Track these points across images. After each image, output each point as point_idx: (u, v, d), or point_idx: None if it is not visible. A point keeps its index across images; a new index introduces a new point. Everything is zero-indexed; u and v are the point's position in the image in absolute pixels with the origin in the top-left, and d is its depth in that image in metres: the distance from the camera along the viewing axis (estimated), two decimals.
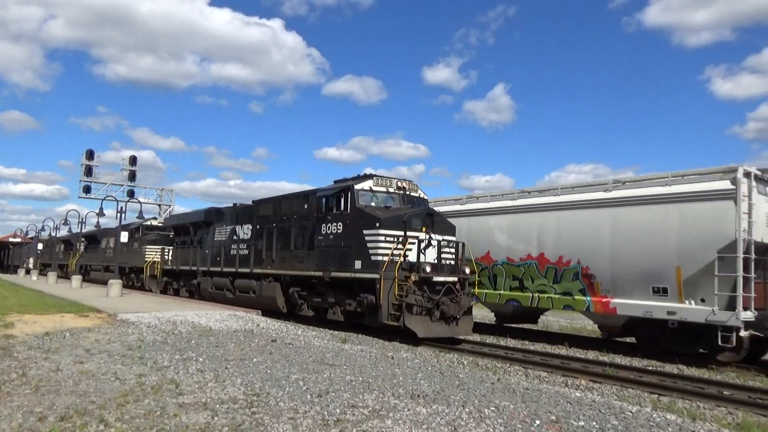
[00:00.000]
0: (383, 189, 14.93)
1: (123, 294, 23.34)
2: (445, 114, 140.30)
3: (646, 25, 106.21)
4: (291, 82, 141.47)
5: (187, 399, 6.38)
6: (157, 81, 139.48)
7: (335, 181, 16.08)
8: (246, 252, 19.19)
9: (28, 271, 51.20)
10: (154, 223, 30.93)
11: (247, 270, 18.93)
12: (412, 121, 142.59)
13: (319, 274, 15.32)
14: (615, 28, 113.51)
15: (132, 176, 45.17)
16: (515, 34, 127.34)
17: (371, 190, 14.68)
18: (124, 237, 29.41)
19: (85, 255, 40.70)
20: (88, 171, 43.38)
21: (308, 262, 15.78)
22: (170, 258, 25.86)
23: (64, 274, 41.88)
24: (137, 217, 30.80)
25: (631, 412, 6.42)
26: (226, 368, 8.29)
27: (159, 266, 26.76)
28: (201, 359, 9.03)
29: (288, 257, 16.83)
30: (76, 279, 30.08)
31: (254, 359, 9.17)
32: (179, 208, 49.32)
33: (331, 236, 15.01)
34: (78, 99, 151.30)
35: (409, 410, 6.15)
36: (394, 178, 15.42)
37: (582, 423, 5.87)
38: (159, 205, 48.03)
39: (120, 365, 8.33)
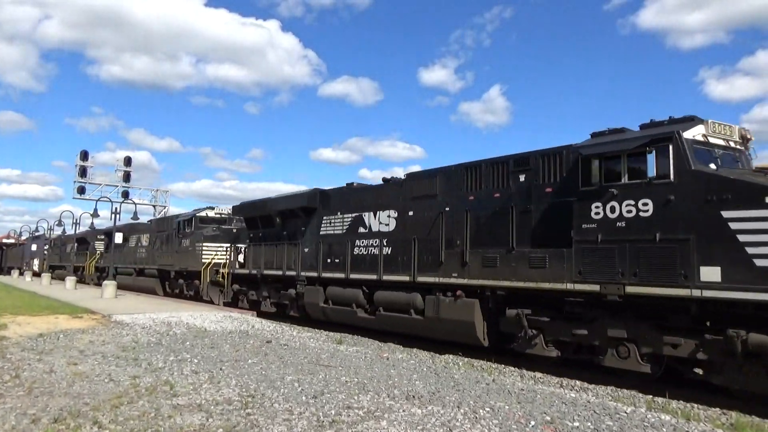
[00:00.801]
0: (722, 141, 8.89)
1: (117, 295, 23.25)
2: (440, 115, 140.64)
3: (640, 28, 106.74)
4: (287, 83, 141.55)
5: (181, 400, 6.36)
6: (152, 82, 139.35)
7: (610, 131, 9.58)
8: (390, 251, 13.25)
9: (21, 273, 47.97)
10: (212, 213, 24.35)
11: (404, 277, 12.63)
12: (408, 122, 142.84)
13: (588, 287, 9.00)
14: (610, 31, 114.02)
15: (127, 177, 45.13)
16: (511, 35, 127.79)
17: (706, 142, 8.63)
18: (118, 238, 29.02)
19: (107, 255, 32.84)
20: (83, 172, 43.29)
21: (556, 266, 9.48)
22: (245, 258, 19.64)
23: (81, 279, 35.65)
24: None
25: (626, 412, 6.44)
26: (221, 369, 8.27)
27: (226, 269, 20.33)
28: (196, 360, 9.00)
29: (500, 258, 10.51)
30: (70, 280, 29.88)
31: (249, 360, 9.14)
32: (174, 209, 48.92)
33: (625, 222, 8.61)
34: (73, 99, 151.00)
35: (404, 411, 6.15)
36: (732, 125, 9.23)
37: (577, 424, 5.88)
38: (154, 206, 47.94)
39: (114, 367, 8.30)
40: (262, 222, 18.85)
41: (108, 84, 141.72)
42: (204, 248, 22.21)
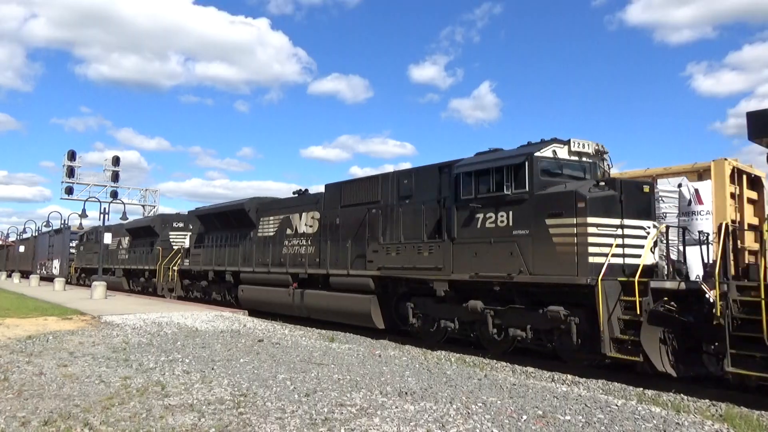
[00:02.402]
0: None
1: (107, 296, 23.10)
2: (431, 112, 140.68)
3: (628, 24, 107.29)
4: (277, 81, 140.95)
5: (173, 401, 6.33)
6: (140, 81, 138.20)
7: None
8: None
9: (10, 275, 43.75)
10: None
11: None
12: (398, 119, 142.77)
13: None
14: (598, 27, 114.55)
15: (115, 177, 44.87)
16: (501, 32, 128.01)
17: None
18: (107, 239, 28.96)
19: (199, 253, 22.05)
20: (70, 172, 43.00)
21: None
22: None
23: (143, 290, 27.17)
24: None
25: (617, 405, 6.49)
26: (212, 369, 8.24)
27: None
28: (187, 360, 8.96)
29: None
30: (59, 281, 29.61)
31: (241, 359, 9.12)
32: (163, 209, 48.55)
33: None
34: (60, 99, 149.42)
35: (396, 408, 6.16)
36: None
37: (568, 417, 5.92)
38: (143, 206, 47.65)
39: (105, 368, 8.24)
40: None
41: (96, 83, 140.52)
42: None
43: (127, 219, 30.39)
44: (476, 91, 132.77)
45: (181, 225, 26.11)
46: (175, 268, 23.60)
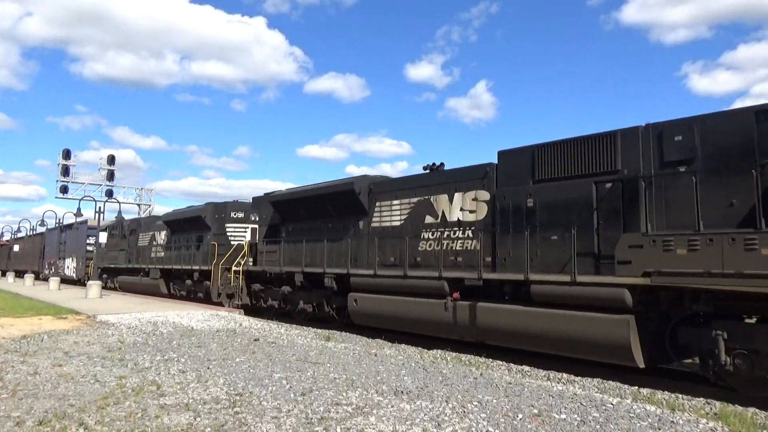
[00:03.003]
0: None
1: (102, 295, 23.03)
2: (427, 111, 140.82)
3: (623, 23, 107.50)
4: (273, 80, 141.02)
5: (168, 400, 6.32)
6: (136, 79, 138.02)
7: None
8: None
9: (3, 274, 42.74)
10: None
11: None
12: (395, 118, 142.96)
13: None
14: (594, 26, 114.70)
15: (110, 176, 44.72)
16: (497, 31, 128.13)
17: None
18: (102, 238, 28.89)
19: (282, 249, 17.28)
20: (65, 171, 42.82)
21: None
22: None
23: (187, 295, 22.67)
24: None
25: (612, 404, 6.51)
26: (208, 368, 8.23)
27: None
28: (183, 360, 8.95)
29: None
30: (54, 281, 29.49)
31: (237, 359, 9.11)
32: (159, 208, 48.31)
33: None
34: (55, 98, 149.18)
35: (392, 407, 6.16)
36: None
37: (564, 416, 5.93)
38: (138, 205, 47.51)
39: (100, 367, 8.22)
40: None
41: (91, 82, 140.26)
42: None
43: (124, 218, 30.09)
44: (473, 90, 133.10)
45: (240, 215, 21.06)
46: (239, 268, 18.67)
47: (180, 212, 24.79)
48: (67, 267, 36.25)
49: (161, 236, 25.32)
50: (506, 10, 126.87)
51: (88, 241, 33.15)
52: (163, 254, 24.84)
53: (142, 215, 41.41)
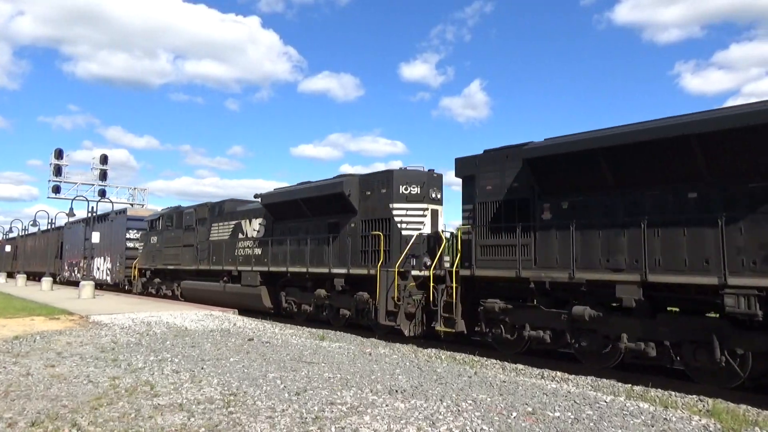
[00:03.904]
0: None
1: (96, 295, 22.91)
2: (422, 110, 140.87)
3: (616, 23, 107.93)
4: (267, 80, 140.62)
5: (162, 400, 6.29)
6: (130, 79, 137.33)
7: None
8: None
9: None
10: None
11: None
12: (389, 117, 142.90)
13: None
14: (587, 26, 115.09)
15: (103, 175, 44.41)
16: (491, 30, 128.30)
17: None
18: (95, 238, 27.26)
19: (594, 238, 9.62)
20: (58, 171, 42.50)
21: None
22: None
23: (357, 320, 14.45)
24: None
25: (606, 401, 6.54)
26: (202, 368, 8.20)
27: None
28: (176, 360, 8.91)
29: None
30: (46, 281, 29.24)
31: (231, 359, 9.08)
32: (153, 207, 47.93)
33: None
34: (48, 97, 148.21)
35: (387, 406, 6.16)
36: None
37: (558, 414, 5.95)
38: (131, 205, 47.26)
39: (93, 368, 8.18)
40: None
41: (84, 81, 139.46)
42: None
43: (182, 206, 23.31)
44: (467, 89, 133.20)
45: (414, 190, 13.44)
46: (458, 271, 11.37)
47: (294, 190, 16.24)
48: (97, 268, 30.25)
49: (253, 226, 18.27)
50: (500, 10, 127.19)
51: (128, 236, 27.36)
52: (259, 251, 17.64)
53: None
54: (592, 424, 5.63)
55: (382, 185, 13.66)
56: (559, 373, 9.34)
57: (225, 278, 19.13)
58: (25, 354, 9.36)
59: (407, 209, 13.33)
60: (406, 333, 12.45)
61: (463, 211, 11.66)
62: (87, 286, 22.77)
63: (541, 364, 9.92)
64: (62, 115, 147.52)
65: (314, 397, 6.48)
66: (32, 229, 46.01)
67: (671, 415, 6.03)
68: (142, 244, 25.62)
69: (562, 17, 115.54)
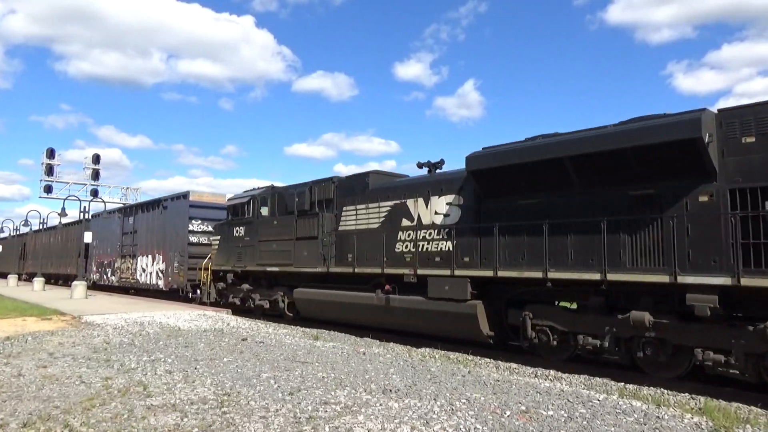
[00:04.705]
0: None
1: (88, 296, 22.78)
2: (416, 110, 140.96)
3: (608, 23, 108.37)
4: (261, 79, 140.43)
5: (155, 401, 6.27)
6: (123, 78, 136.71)
7: None
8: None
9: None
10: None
11: None
12: (383, 117, 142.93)
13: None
14: (580, 26, 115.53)
15: (95, 175, 44.19)
16: (485, 30, 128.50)
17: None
18: (87, 238, 26.09)
19: None
20: (49, 170, 42.25)
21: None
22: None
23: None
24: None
25: (599, 400, 6.57)
26: (195, 368, 8.18)
27: None
28: (170, 360, 8.88)
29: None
30: (39, 281, 29.02)
31: (224, 359, 9.06)
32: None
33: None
34: (40, 96, 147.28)
35: (381, 405, 6.17)
36: None
37: (551, 412, 5.97)
38: (124, 204, 47.07)
39: (85, 368, 8.13)
40: None
41: (77, 80, 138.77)
42: None
43: (277, 186, 17.22)
44: (461, 89, 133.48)
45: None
46: None
47: (553, 144, 9.83)
48: (141, 270, 23.91)
49: (434, 206, 12.15)
50: (494, 10, 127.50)
51: (190, 227, 21.22)
52: (448, 245, 11.63)
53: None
54: (585, 422, 5.65)
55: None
56: (552, 372, 9.37)
57: (388, 287, 12.64)
58: (17, 355, 9.30)
59: None
60: None
61: None
62: (79, 286, 22.63)
63: (535, 363, 9.94)
64: (54, 115, 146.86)
65: (308, 397, 6.48)
66: (23, 229, 45.55)
67: (663, 413, 6.07)
68: (217, 237, 18.83)
69: (555, 17, 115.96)
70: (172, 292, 21.91)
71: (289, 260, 15.48)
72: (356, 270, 13.53)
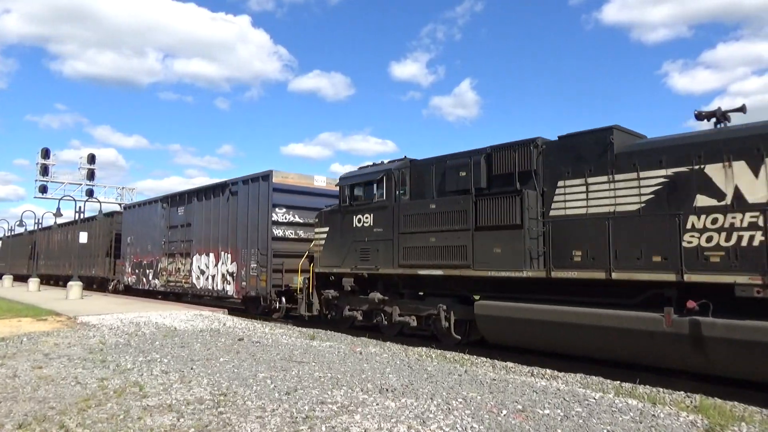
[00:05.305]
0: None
1: (84, 296, 22.71)
2: (412, 109, 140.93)
3: (604, 23, 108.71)
4: (257, 79, 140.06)
5: (151, 401, 6.25)
6: (118, 77, 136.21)
7: None
8: None
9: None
10: None
11: None
12: (379, 116, 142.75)
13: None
14: (576, 25, 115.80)
15: (91, 175, 44.06)
16: (481, 30, 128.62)
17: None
18: (83, 238, 25.70)
19: None
20: (44, 170, 42.09)
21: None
22: None
23: None
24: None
25: (595, 398, 6.58)
26: (191, 369, 8.16)
27: None
28: (166, 360, 8.86)
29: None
30: (34, 281, 28.91)
31: (221, 359, 9.04)
32: None
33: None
34: (35, 96, 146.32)
35: (377, 405, 6.17)
36: None
37: (548, 411, 5.98)
38: (120, 204, 46.90)
39: (81, 369, 8.11)
40: None
41: (72, 80, 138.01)
42: None
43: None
44: (457, 88, 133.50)
45: None
46: None
47: None
48: (199, 272, 19.25)
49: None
50: (491, 9, 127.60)
51: (274, 217, 16.39)
52: None
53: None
54: (581, 421, 5.66)
55: None
56: (548, 371, 9.39)
57: (691, 304, 7.77)
58: (12, 356, 9.26)
59: None
60: None
61: None
62: (75, 287, 22.56)
63: (531, 362, 9.96)
64: (50, 114, 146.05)
65: (305, 397, 6.47)
66: (18, 230, 45.21)
67: (659, 411, 6.09)
68: (323, 230, 14.13)
69: (551, 17, 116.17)
70: (248, 301, 17.50)
71: (463, 260, 10.73)
72: (613, 275, 8.67)
